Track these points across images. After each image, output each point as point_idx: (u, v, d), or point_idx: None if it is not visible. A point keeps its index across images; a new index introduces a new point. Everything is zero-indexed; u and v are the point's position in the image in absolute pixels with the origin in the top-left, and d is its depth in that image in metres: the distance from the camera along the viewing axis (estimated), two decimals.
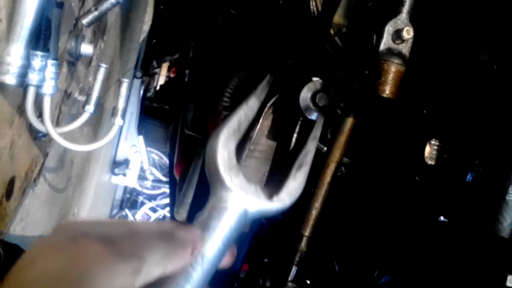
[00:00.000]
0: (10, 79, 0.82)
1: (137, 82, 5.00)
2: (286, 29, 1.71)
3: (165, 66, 6.40)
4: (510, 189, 0.70)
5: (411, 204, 0.98)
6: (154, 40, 5.12)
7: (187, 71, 3.28)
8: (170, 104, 5.00)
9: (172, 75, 6.23)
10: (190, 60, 3.27)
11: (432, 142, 0.87)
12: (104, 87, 1.84)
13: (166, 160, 5.86)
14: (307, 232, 1.14)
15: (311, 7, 1.38)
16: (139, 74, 4.91)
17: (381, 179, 1.07)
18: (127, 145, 5.06)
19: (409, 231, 1.01)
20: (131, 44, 3.62)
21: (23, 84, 0.87)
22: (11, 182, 1.07)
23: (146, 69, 5.45)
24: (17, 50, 0.83)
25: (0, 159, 0.96)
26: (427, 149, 0.87)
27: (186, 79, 3.24)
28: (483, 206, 0.78)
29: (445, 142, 0.87)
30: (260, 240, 1.51)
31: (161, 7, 4.61)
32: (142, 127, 5.25)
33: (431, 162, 0.86)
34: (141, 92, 5.42)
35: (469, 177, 0.83)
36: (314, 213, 1.14)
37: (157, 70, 6.35)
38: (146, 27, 4.61)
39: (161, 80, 6.51)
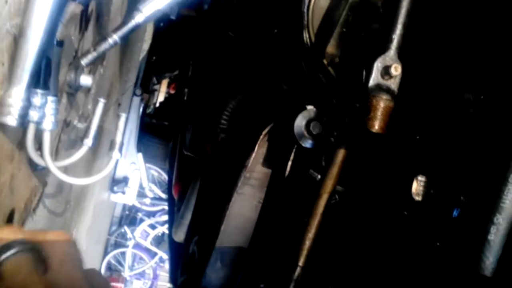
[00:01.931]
0: (12, 120, 0.85)
1: (136, 99, 5.04)
2: (280, 56, 1.74)
3: (164, 83, 6.44)
4: (491, 229, 0.73)
5: (401, 236, 1.00)
6: (154, 57, 5.17)
7: (186, 90, 3.32)
8: (170, 121, 5.03)
9: (171, 91, 6.27)
10: (189, 78, 3.31)
11: (419, 178, 0.90)
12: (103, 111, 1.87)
13: (165, 176, 5.87)
14: (301, 262, 1.16)
15: (305, 37, 1.41)
16: (138, 92, 4.95)
17: (372, 211, 1.09)
18: (126, 162, 5.08)
19: (400, 261, 1.03)
20: (130, 64, 3.67)
21: (24, 124, 0.90)
22: (11, 214, 1.10)
23: (145, 86, 5.49)
24: (18, 92, 0.86)
25: (1, 194, 0.99)
26: (414, 185, 0.89)
27: (185, 98, 3.27)
28: (467, 244, 0.80)
29: (432, 178, 0.90)
30: (256, 265, 1.53)
31: (161, 24, 4.67)
32: (141, 144, 5.28)
33: (418, 198, 0.89)
34: (141, 109, 5.46)
35: (455, 213, 0.86)
36: (307, 243, 1.16)
37: (156, 87, 6.38)
38: (146, 45, 4.65)
39: (160, 96, 6.54)
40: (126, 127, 4.29)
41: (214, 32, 2.63)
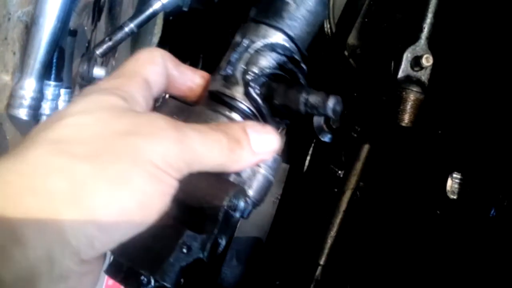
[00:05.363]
0: (23, 113, 0.82)
1: None
2: None
3: None
4: None
5: (431, 237, 0.95)
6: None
7: None
8: None
9: None
10: None
11: (454, 175, 0.84)
12: None
13: None
14: (322, 261, 1.12)
15: (325, 28, 1.35)
16: None
17: (400, 209, 1.04)
18: None
19: (428, 263, 0.98)
20: None
21: (36, 117, 0.86)
22: None
23: None
24: (30, 84, 0.82)
25: None
26: (449, 182, 0.84)
27: None
28: (507, 244, 0.75)
29: (468, 175, 0.85)
30: (273, 263, 1.49)
31: (170, 18, 4.61)
32: None
33: (453, 196, 0.84)
34: None
35: (493, 212, 0.81)
36: (329, 241, 1.12)
37: None
38: (155, 38, 4.59)
39: None
40: None
41: (225, 25, 2.56)
